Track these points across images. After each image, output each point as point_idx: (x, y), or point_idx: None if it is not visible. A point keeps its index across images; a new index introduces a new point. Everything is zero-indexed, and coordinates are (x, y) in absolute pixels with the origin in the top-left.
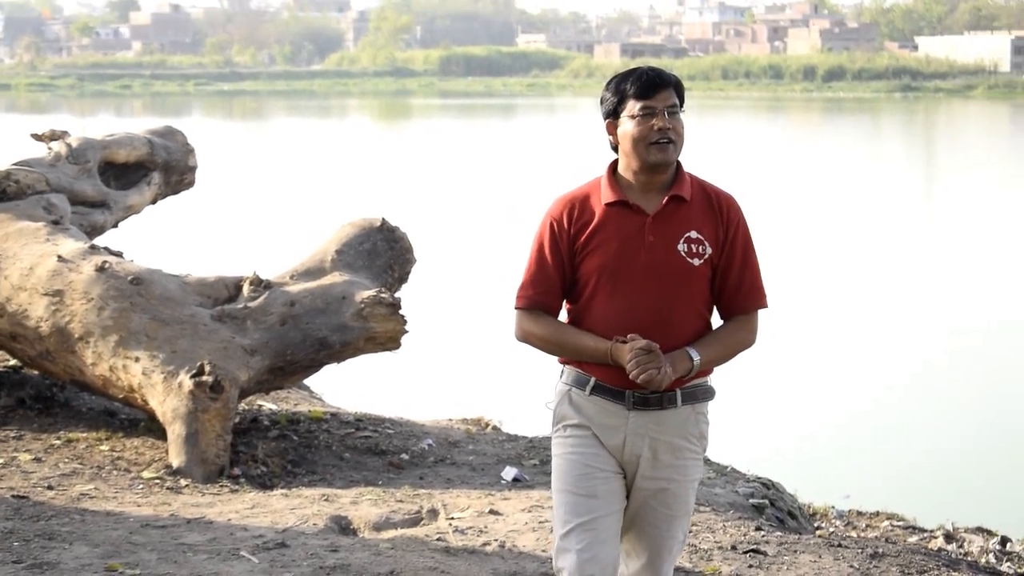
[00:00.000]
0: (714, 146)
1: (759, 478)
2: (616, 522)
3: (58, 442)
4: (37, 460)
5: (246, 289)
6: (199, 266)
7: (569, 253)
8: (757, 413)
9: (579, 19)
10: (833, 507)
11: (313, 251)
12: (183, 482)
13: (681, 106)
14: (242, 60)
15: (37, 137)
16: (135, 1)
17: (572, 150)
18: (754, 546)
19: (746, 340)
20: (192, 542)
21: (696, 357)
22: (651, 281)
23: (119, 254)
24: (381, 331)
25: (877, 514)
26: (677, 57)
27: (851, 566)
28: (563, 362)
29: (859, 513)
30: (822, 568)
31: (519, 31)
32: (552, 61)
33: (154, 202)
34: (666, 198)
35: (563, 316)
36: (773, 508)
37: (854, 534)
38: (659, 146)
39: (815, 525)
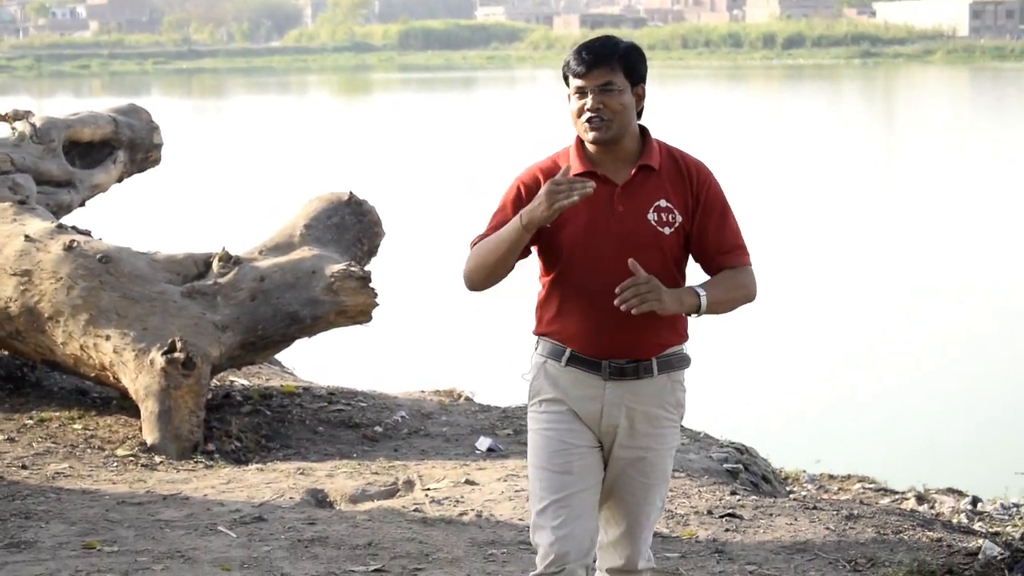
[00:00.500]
0: (676, 115)
1: (732, 443)
2: (592, 497)
3: (31, 422)
4: (10, 440)
5: (215, 265)
6: (168, 243)
7: None
8: (727, 379)
9: None
10: (804, 471)
11: (281, 226)
12: (157, 459)
13: (631, 77)
14: (200, 38)
15: (0, 118)
16: None
17: (533, 122)
18: (730, 510)
19: (746, 286)
20: (169, 518)
21: (702, 293)
22: (622, 251)
23: (87, 233)
24: (351, 304)
25: (848, 477)
26: (636, 27)
27: (827, 528)
28: (538, 333)
29: (830, 476)
30: (798, 530)
31: (477, 4)
32: (511, 33)
33: (120, 180)
34: (635, 168)
35: (538, 289)
36: (747, 472)
37: (827, 497)
38: (591, 125)
39: (788, 489)
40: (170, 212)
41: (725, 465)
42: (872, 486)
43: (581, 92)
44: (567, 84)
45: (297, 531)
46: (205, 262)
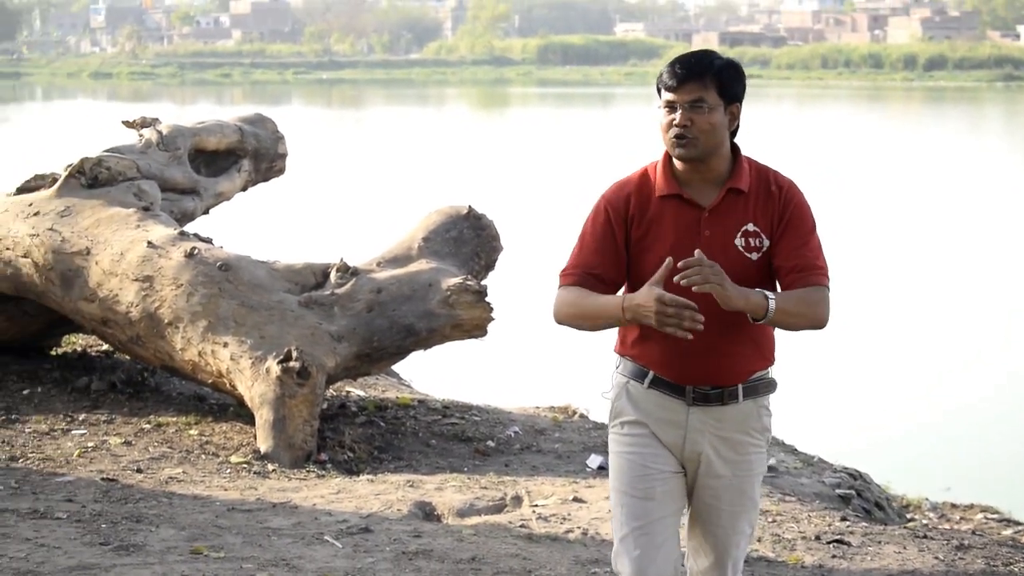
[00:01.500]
0: (814, 136)
1: (846, 468)
2: (674, 523)
3: (148, 426)
4: (127, 444)
5: (333, 276)
6: (287, 253)
7: (624, 240)
8: (853, 403)
9: (678, 8)
10: (926, 499)
11: (400, 238)
12: (270, 467)
13: (725, 96)
14: (341, 49)
15: (128, 124)
16: None
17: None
18: (838, 536)
19: (818, 306)
20: (277, 526)
21: (772, 299)
22: None
23: (208, 240)
24: (467, 318)
25: (971, 507)
26: (776, 46)
27: (936, 557)
28: (620, 352)
29: (953, 505)
30: (906, 559)
31: (617, 20)
32: (650, 50)
33: (244, 189)
34: (723, 191)
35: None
36: (860, 499)
37: (946, 526)
38: (676, 142)
39: (908, 517)
40: (292, 221)
41: (837, 491)
42: (995, 516)
43: (671, 106)
44: (660, 96)
45: (402, 543)
46: (323, 272)
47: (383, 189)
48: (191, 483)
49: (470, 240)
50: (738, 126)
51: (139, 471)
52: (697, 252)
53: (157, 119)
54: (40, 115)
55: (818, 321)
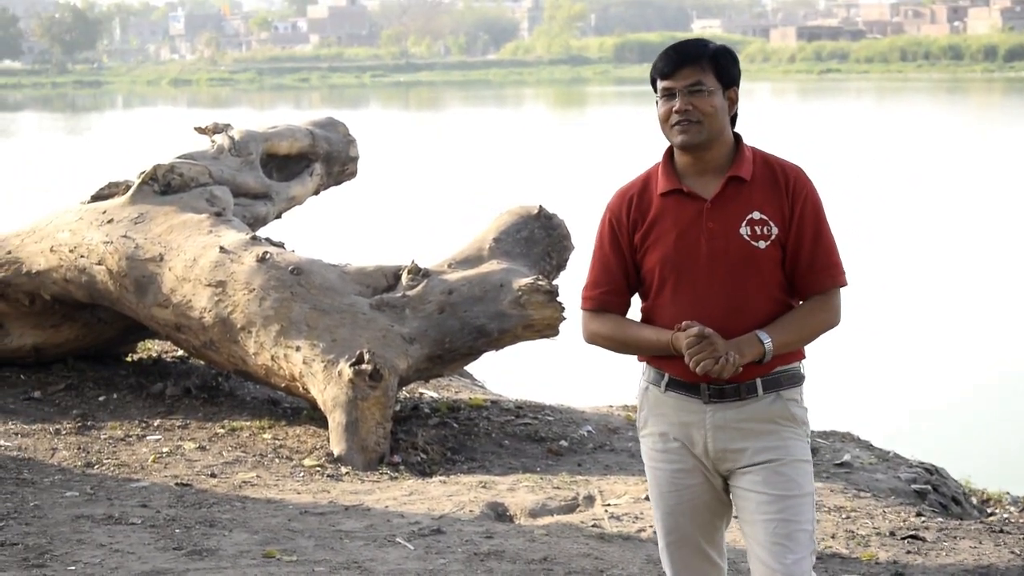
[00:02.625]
0: (894, 130)
1: (922, 463)
2: (708, 535)
3: (222, 431)
4: (201, 448)
5: (405, 278)
6: (359, 256)
7: (630, 248)
8: (934, 398)
9: (755, 3)
10: (1008, 493)
11: (471, 239)
12: (343, 470)
13: (723, 79)
14: (418, 51)
15: (200, 130)
16: None
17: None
18: (913, 532)
19: (826, 320)
20: (349, 529)
21: (767, 340)
22: (716, 270)
23: (280, 244)
24: (539, 318)
25: None
26: (855, 39)
27: (1012, 552)
28: (641, 359)
29: None
30: (982, 554)
31: (694, 16)
32: (728, 46)
33: (316, 193)
34: (724, 180)
35: (636, 314)
36: (936, 494)
37: None
38: (680, 127)
39: (988, 512)
40: (364, 225)
41: (913, 486)
42: None
43: (669, 94)
44: (655, 89)
45: (474, 544)
46: (395, 275)
47: (457, 190)
48: (264, 487)
49: (541, 240)
50: (737, 112)
51: (213, 476)
52: (685, 323)
53: (229, 125)
54: (120, 123)
55: (828, 329)
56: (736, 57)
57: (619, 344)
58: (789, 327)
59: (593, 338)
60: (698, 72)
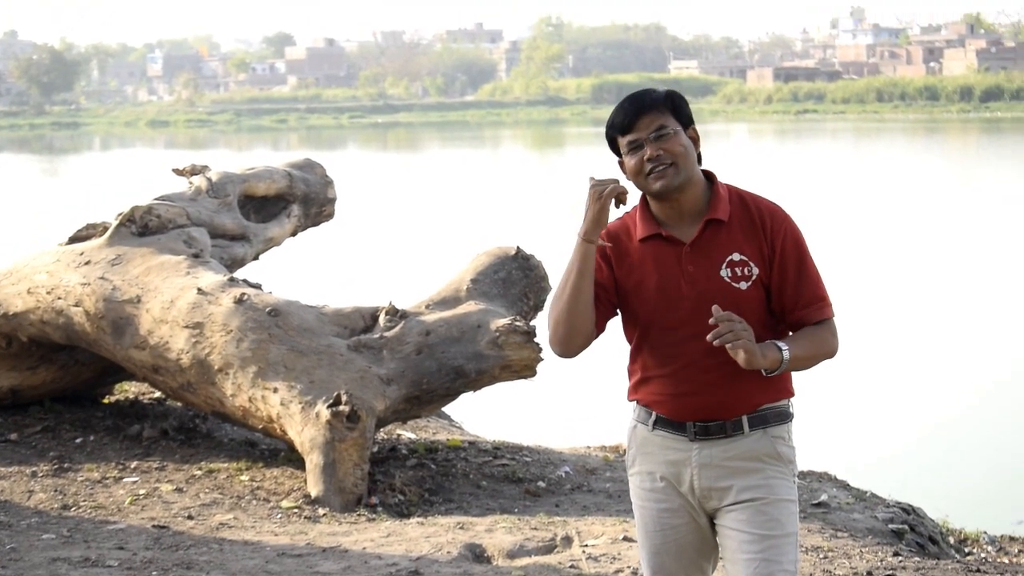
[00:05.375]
0: (872, 170)
1: (899, 503)
2: (694, 574)
3: (199, 472)
4: (178, 490)
5: (382, 319)
6: (336, 297)
7: (611, 279)
8: (914, 436)
9: (731, 44)
10: (985, 533)
11: (448, 280)
12: (321, 511)
13: (681, 120)
14: (396, 92)
15: (178, 172)
16: (290, 36)
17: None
18: (890, 572)
19: (831, 344)
20: (327, 570)
21: (785, 348)
22: (698, 314)
23: (257, 286)
24: (516, 359)
25: None
26: (831, 80)
27: None
28: (629, 398)
29: (1012, 539)
30: None
31: (671, 57)
32: (704, 87)
33: (294, 234)
34: (702, 223)
35: (626, 360)
36: (913, 533)
37: (1004, 560)
38: (656, 174)
39: (965, 552)
40: (342, 266)
41: (890, 526)
42: None
43: (635, 146)
44: (616, 150)
45: None
46: (372, 316)
47: (434, 231)
48: (242, 529)
49: (519, 281)
50: (700, 152)
51: (190, 518)
52: (715, 308)
53: (207, 166)
54: (98, 164)
55: (829, 356)
56: (685, 98)
57: (560, 307)
58: (802, 342)
59: (549, 327)
60: (659, 117)
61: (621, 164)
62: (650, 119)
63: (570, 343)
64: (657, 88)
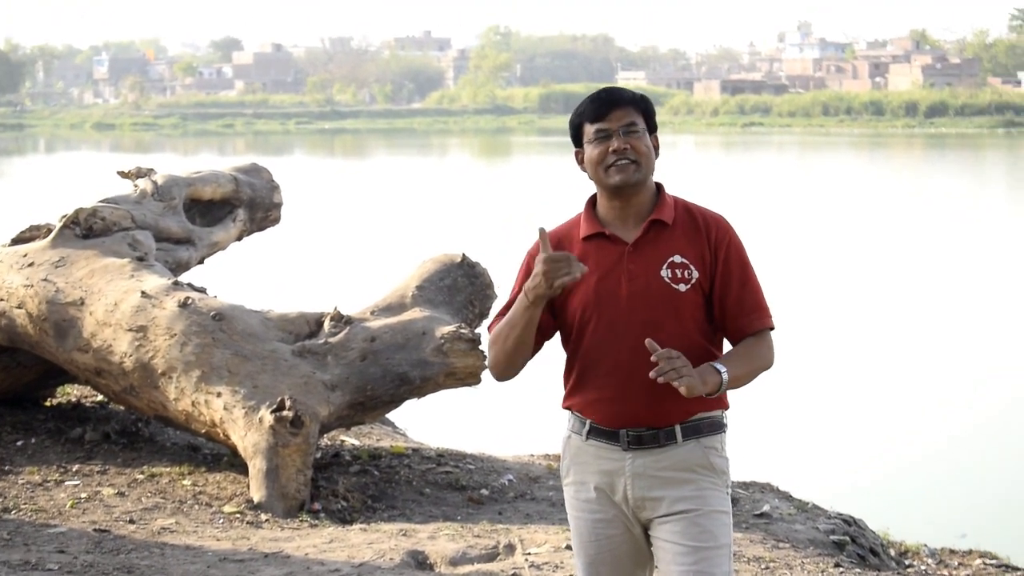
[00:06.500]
0: (817, 184)
1: (840, 515)
2: None
3: (141, 476)
4: (120, 494)
5: (327, 325)
6: (281, 302)
7: (550, 302)
8: (857, 448)
9: (679, 56)
10: (925, 545)
11: (394, 287)
12: (263, 517)
13: (649, 124)
14: (343, 99)
15: (123, 174)
16: (238, 41)
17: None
18: None
19: (767, 358)
20: None
21: (723, 370)
22: (635, 311)
23: (202, 290)
24: (461, 366)
25: (970, 552)
26: (777, 93)
27: None
28: (563, 406)
29: (951, 551)
30: None
31: (619, 68)
32: (652, 98)
33: (239, 239)
34: (646, 224)
35: (561, 359)
36: (854, 545)
37: (944, 572)
38: (617, 167)
39: (906, 564)
40: (287, 271)
41: (832, 537)
42: (994, 562)
43: (603, 135)
44: (579, 137)
45: None
46: (317, 321)
47: (380, 238)
48: (184, 533)
49: (464, 288)
50: (656, 160)
51: (132, 522)
52: (650, 343)
53: (152, 169)
54: (42, 167)
55: (766, 369)
56: (654, 106)
57: (500, 337)
58: (739, 361)
59: (488, 357)
60: (631, 114)
61: (578, 155)
62: (623, 113)
63: (510, 374)
64: (631, 90)
